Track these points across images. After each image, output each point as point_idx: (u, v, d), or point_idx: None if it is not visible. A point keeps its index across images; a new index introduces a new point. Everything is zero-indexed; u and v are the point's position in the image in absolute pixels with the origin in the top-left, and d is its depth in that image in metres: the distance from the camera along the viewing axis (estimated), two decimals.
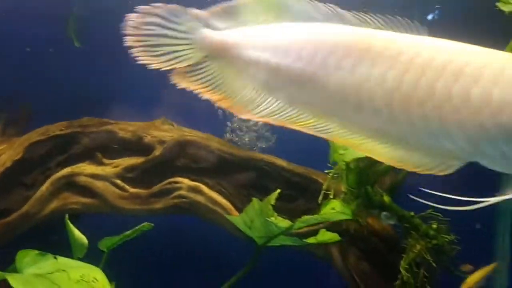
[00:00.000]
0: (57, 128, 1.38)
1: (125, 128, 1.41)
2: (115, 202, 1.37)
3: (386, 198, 1.15)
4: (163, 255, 1.49)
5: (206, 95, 0.65)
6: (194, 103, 1.59)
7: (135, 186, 1.38)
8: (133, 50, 0.62)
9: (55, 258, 0.99)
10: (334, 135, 0.62)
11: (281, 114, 0.63)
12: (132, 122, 1.43)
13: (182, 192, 1.37)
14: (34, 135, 1.38)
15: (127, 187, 1.38)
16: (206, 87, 0.65)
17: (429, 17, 1.60)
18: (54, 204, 1.35)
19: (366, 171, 1.11)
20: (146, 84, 1.58)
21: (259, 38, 0.64)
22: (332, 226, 1.24)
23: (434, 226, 1.14)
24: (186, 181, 1.37)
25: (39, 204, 1.35)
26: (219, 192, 1.38)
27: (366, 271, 1.22)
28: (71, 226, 1.10)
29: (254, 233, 1.17)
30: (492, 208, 1.81)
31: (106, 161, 1.39)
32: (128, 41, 0.61)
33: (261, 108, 0.64)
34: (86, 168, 1.37)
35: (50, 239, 1.28)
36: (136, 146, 1.40)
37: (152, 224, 1.19)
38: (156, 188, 1.37)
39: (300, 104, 0.63)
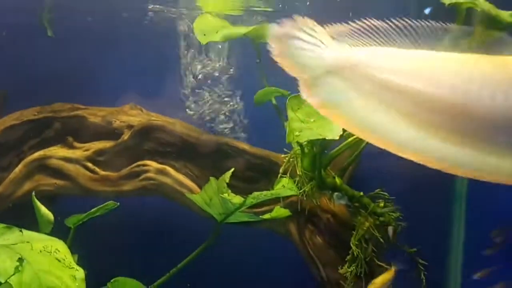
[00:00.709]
0: (30, 113, 1.44)
1: (95, 113, 1.47)
2: (86, 184, 1.43)
3: (338, 180, 1.23)
4: (132, 233, 1.57)
5: (325, 112, 0.65)
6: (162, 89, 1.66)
7: (105, 169, 1.44)
8: (277, 59, 0.63)
9: (21, 231, 1.06)
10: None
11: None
12: (102, 107, 1.49)
13: (150, 174, 1.43)
14: (8, 120, 1.44)
15: (97, 169, 1.44)
16: (327, 102, 0.65)
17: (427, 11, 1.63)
18: (27, 186, 1.42)
19: (319, 155, 1.18)
20: (116, 71, 1.65)
21: (391, 59, 0.64)
22: (289, 206, 1.33)
23: (381, 204, 1.22)
24: (153, 164, 1.44)
25: (13, 186, 1.41)
26: (185, 174, 1.44)
27: (319, 245, 1.30)
28: (38, 203, 1.16)
29: (213, 210, 1.24)
30: (447, 192, 1.90)
31: (77, 144, 1.45)
32: (274, 50, 0.62)
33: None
34: (58, 151, 1.43)
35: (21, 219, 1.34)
36: (106, 131, 1.46)
37: (118, 203, 1.26)
38: (125, 170, 1.44)
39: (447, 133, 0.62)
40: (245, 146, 1.44)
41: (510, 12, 1.01)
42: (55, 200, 1.49)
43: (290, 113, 0.94)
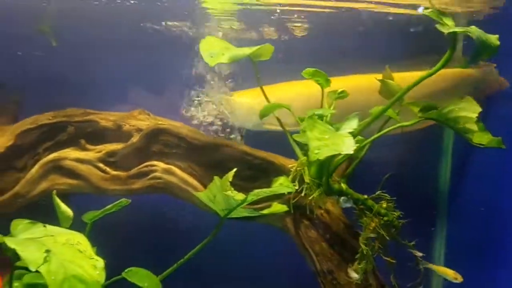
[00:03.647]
0: (45, 118, 1.54)
1: (106, 118, 1.58)
2: (98, 183, 1.54)
3: (343, 185, 1.35)
4: (141, 228, 1.68)
5: None
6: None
7: (116, 169, 1.55)
8: None
9: (44, 226, 1.17)
10: None
11: None
12: (112, 112, 1.60)
13: (157, 174, 1.55)
14: (24, 124, 1.54)
15: (108, 169, 1.55)
16: None
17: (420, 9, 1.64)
18: (43, 185, 1.52)
19: (325, 164, 1.27)
20: (123, 77, 1.77)
21: None
22: (286, 202, 1.45)
23: (384, 205, 1.34)
24: (161, 164, 1.55)
25: (29, 185, 1.52)
26: (190, 174, 1.56)
27: (314, 238, 1.43)
28: (58, 200, 1.27)
29: (216, 207, 1.36)
30: (433, 188, 2.05)
31: (89, 147, 1.56)
32: None
33: None
34: (72, 153, 1.54)
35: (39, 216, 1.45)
36: (116, 134, 1.57)
37: (130, 200, 1.37)
38: (134, 170, 1.55)
39: None
40: (245, 147, 1.56)
41: (496, 35, 1.13)
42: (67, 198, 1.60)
43: (308, 134, 1.03)
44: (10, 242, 1.04)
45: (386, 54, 1.75)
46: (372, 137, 1.25)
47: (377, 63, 1.55)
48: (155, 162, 1.55)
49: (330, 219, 1.44)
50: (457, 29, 1.03)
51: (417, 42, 1.77)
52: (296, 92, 1.69)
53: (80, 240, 1.16)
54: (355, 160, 1.32)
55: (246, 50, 1.24)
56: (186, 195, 1.56)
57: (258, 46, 1.25)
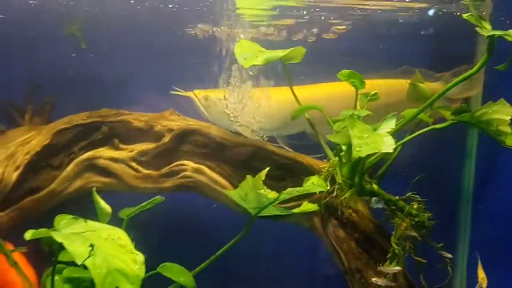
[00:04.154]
0: (80, 118, 1.60)
1: (138, 118, 1.62)
2: (130, 181, 1.59)
3: (375, 186, 1.37)
4: (171, 225, 1.72)
5: None
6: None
7: (147, 168, 1.60)
8: None
9: (86, 221, 1.22)
10: None
11: None
12: (145, 113, 1.65)
13: (187, 173, 1.59)
14: (60, 124, 1.60)
15: (140, 168, 1.60)
16: None
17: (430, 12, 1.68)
18: (78, 183, 1.58)
19: (362, 164, 1.30)
20: (154, 81, 1.82)
21: None
22: (315, 201, 1.47)
23: (415, 206, 1.36)
24: (190, 164, 1.59)
25: (64, 183, 1.57)
26: (219, 173, 1.60)
27: (341, 237, 1.45)
28: (97, 197, 1.32)
29: (248, 205, 1.39)
30: (457, 189, 2.07)
31: (122, 146, 1.61)
32: None
33: None
34: (105, 152, 1.59)
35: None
36: (148, 134, 1.62)
37: (163, 198, 1.42)
38: (165, 169, 1.59)
39: None
40: (273, 148, 1.59)
41: None
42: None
43: (350, 132, 1.06)
44: (57, 236, 1.09)
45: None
46: (405, 139, 1.27)
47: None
48: (185, 162, 1.59)
49: (358, 219, 1.46)
50: (496, 33, 1.05)
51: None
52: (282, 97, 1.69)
53: (120, 235, 1.20)
54: (387, 161, 1.34)
55: (279, 53, 1.27)
56: (215, 194, 1.60)
57: (290, 49, 1.29)
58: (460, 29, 1.60)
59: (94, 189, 1.33)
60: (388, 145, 1.02)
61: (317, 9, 1.65)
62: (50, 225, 1.21)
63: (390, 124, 1.12)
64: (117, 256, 1.13)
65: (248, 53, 1.28)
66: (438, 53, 1.92)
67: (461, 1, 1.60)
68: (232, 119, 1.61)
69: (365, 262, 1.42)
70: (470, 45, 1.84)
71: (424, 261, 1.35)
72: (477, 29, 1.07)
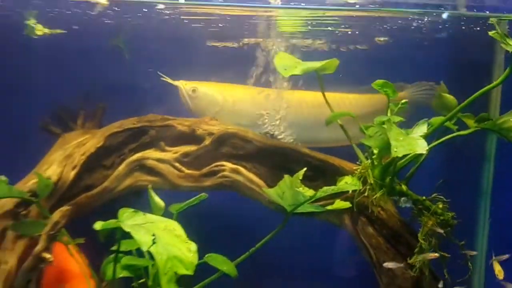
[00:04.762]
0: (130, 122, 1.76)
1: (182, 123, 1.78)
2: (174, 180, 1.74)
3: (404, 187, 1.49)
4: (210, 221, 1.86)
5: None
6: None
7: (190, 168, 1.75)
8: None
9: (144, 214, 1.37)
10: None
11: None
12: (187, 118, 1.80)
13: (226, 173, 1.73)
14: (112, 128, 1.76)
15: (183, 168, 1.75)
16: None
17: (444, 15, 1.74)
18: (128, 181, 1.74)
19: (388, 166, 1.43)
20: None
21: None
22: (346, 199, 1.60)
23: (440, 205, 1.48)
24: (229, 165, 1.74)
25: (116, 181, 1.73)
26: (255, 173, 1.73)
27: (371, 234, 1.58)
28: (152, 193, 1.47)
29: (284, 202, 1.53)
30: (474, 189, 2.20)
31: (167, 148, 1.76)
32: None
33: None
34: (153, 153, 1.75)
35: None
36: (191, 137, 1.77)
37: (207, 195, 1.57)
38: (206, 170, 1.74)
39: None
40: (305, 150, 1.73)
41: None
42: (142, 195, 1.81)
43: (388, 134, 1.20)
44: (125, 226, 1.24)
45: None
46: (433, 143, 1.39)
47: None
48: (224, 163, 1.74)
49: (386, 216, 1.58)
50: None
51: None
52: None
53: (175, 226, 1.34)
54: (416, 165, 1.46)
55: (316, 64, 1.41)
56: (251, 192, 1.74)
57: (325, 61, 1.43)
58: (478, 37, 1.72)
59: (149, 186, 1.48)
60: (422, 147, 1.15)
61: (343, 26, 1.79)
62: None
63: (422, 129, 1.24)
64: (174, 244, 1.28)
65: (287, 64, 1.42)
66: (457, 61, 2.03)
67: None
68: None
69: (392, 257, 1.53)
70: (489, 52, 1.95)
71: (448, 255, 1.46)
72: (502, 45, 1.18)
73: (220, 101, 1.86)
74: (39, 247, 1.37)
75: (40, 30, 1.55)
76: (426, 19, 1.75)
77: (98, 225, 1.29)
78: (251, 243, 1.56)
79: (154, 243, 1.23)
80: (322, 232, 1.85)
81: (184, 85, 1.85)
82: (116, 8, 1.64)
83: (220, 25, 1.82)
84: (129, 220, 1.34)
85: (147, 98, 1.98)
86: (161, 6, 1.61)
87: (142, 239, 1.22)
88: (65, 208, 1.39)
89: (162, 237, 1.27)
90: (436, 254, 1.39)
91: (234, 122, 1.80)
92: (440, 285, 1.46)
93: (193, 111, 1.85)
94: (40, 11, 1.59)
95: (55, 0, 1.58)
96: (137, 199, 1.73)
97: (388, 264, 1.47)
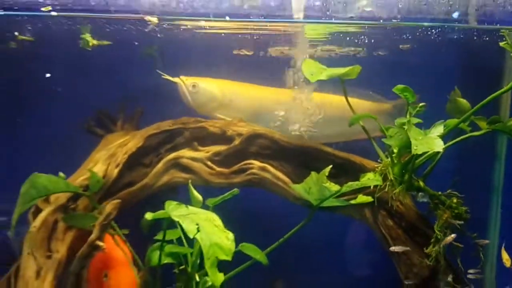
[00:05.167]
0: (166, 125, 1.92)
1: (213, 125, 1.93)
2: (206, 177, 1.90)
3: (421, 183, 1.62)
4: (240, 215, 2.01)
5: None
6: None
7: (220, 166, 1.89)
8: None
9: (187, 207, 1.52)
10: None
11: None
12: (218, 120, 1.96)
13: (254, 170, 1.88)
14: (150, 129, 1.92)
15: (214, 166, 1.90)
16: None
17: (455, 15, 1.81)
18: (165, 178, 1.89)
19: (407, 164, 1.56)
20: None
21: None
22: (367, 195, 1.74)
23: (455, 200, 1.61)
24: (257, 163, 1.88)
25: (154, 178, 1.89)
26: (281, 171, 1.88)
27: (390, 225, 1.71)
28: (192, 188, 1.62)
29: (311, 197, 1.67)
30: (486, 186, 2.35)
31: (200, 148, 1.91)
32: None
33: None
34: (187, 153, 1.90)
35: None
36: (221, 137, 1.92)
37: (238, 190, 1.72)
38: (235, 167, 1.89)
39: None
40: (328, 149, 1.87)
41: None
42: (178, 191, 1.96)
43: (409, 134, 1.35)
44: (174, 216, 1.40)
45: None
46: (448, 143, 1.52)
47: None
48: (252, 161, 1.88)
49: (405, 210, 1.71)
50: None
51: None
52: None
53: (214, 217, 1.49)
54: (432, 162, 1.60)
55: (340, 70, 1.56)
56: (277, 189, 1.88)
57: (349, 68, 1.57)
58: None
59: (190, 182, 1.64)
60: (438, 145, 1.29)
61: (363, 36, 1.93)
62: None
63: (439, 130, 1.38)
64: (214, 233, 1.43)
65: (313, 70, 1.57)
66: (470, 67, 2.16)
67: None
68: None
69: (411, 247, 1.66)
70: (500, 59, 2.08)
71: (461, 246, 1.59)
72: None
73: (219, 97, 1.95)
74: (93, 236, 1.53)
75: (92, 41, 1.71)
76: (440, 29, 1.88)
77: (149, 216, 1.45)
78: (270, 239, 1.70)
79: (198, 231, 1.39)
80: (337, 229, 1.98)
81: (184, 81, 1.94)
82: (166, 25, 1.80)
83: (246, 37, 1.97)
84: (175, 211, 1.49)
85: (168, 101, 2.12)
86: (202, 23, 1.77)
87: (188, 227, 1.38)
88: (116, 201, 1.54)
89: (204, 226, 1.42)
90: (454, 235, 1.52)
91: (231, 117, 1.91)
92: (449, 278, 1.59)
93: (193, 106, 1.94)
94: (94, 26, 1.75)
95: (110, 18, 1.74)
96: (174, 195, 1.88)
97: (395, 248, 1.59)
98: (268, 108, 1.98)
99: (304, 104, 1.91)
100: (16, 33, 1.81)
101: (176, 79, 1.94)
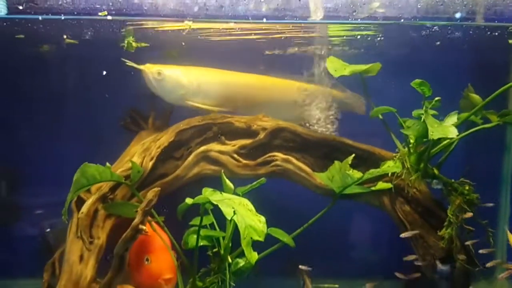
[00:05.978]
0: (196, 120, 2.06)
1: (239, 120, 2.07)
2: (233, 169, 2.03)
3: (436, 171, 1.74)
4: (265, 205, 2.15)
5: None
6: None
7: (246, 158, 2.03)
8: None
9: (221, 193, 1.66)
10: None
11: None
12: (243, 116, 2.10)
13: (278, 162, 2.01)
14: (181, 125, 2.07)
15: (241, 159, 2.03)
16: None
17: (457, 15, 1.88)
18: (195, 170, 2.03)
19: (423, 153, 1.68)
20: None
21: None
22: (385, 182, 1.86)
23: (467, 187, 1.73)
24: (280, 155, 2.01)
25: (186, 170, 2.03)
26: (303, 163, 2.01)
27: (407, 212, 1.83)
28: (224, 177, 1.76)
29: (334, 185, 1.80)
30: (496, 176, 2.49)
31: (227, 142, 2.05)
32: None
33: None
34: (215, 146, 2.04)
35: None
36: (247, 132, 2.06)
37: (265, 179, 1.85)
38: (260, 159, 2.02)
39: None
40: (348, 141, 2.00)
41: None
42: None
43: (426, 121, 1.50)
44: (213, 200, 1.54)
45: None
46: (461, 134, 1.65)
47: None
48: (276, 153, 2.02)
49: (421, 196, 1.84)
50: None
51: None
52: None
53: (247, 202, 1.63)
54: (446, 153, 1.73)
55: (362, 67, 1.70)
56: (300, 179, 2.01)
57: (370, 64, 1.71)
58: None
59: (222, 171, 1.78)
60: (453, 132, 1.42)
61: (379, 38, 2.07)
62: None
63: (453, 119, 1.52)
64: (248, 216, 1.56)
65: (337, 66, 1.71)
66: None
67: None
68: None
69: (427, 230, 1.79)
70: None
71: (473, 229, 1.71)
72: None
73: (185, 84, 1.96)
74: (136, 220, 1.66)
75: (135, 44, 1.86)
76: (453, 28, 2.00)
77: (189, 200, 1.59)
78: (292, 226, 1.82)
79: (235, 213, 1.52)
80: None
81: (150, 69, 1.93)
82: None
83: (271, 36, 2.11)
84: (212, 196, 1.64)
85: None
86: (232, 25, 1.90)
87: (226, 210, 1.51)
88: (156, 188, 1.68)
89: (239, 210, 1.56)
90: (471, 214, 1.64)
91: (200, 104, 1.94)
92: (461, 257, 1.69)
93: (159, 94, 1.95)
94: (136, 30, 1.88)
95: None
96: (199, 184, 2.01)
97: (406, 234, 1.72)
98: (237, 92, 2.03)
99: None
100: (64, 36, 1.94)
101: (141, 67, 1.94)
